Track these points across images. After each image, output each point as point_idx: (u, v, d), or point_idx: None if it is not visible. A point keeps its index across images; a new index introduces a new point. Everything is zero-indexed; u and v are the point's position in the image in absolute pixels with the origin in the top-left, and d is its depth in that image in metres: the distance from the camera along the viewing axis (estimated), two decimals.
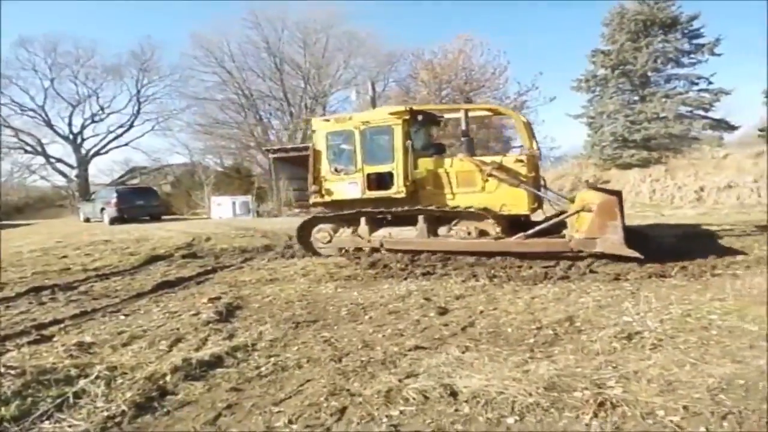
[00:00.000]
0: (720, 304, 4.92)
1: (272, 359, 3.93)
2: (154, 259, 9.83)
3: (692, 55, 25.02)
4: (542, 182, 9.26)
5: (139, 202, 23.77)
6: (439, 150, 9.99)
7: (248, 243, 11.90)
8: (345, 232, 9.45)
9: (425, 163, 9.12)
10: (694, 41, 24.94)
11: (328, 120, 9.97)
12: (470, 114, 9.66)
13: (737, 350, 3.67)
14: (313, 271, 7.93)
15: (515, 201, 8.57)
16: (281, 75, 37.08)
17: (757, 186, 19.43)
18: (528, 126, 9.17)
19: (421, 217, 8.78)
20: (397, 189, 9.04)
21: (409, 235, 8.88)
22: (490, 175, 8.54)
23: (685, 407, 2.75)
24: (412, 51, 31.12)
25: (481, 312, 5.13)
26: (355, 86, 30.59)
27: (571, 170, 26.49)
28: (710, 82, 24.81)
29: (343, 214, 9.38)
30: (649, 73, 25.00)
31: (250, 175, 34.48)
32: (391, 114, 9.23)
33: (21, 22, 57.53)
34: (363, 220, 9.22)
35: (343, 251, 9.17)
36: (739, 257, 7.38)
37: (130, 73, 42.35)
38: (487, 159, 8.97)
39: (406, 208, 8.85)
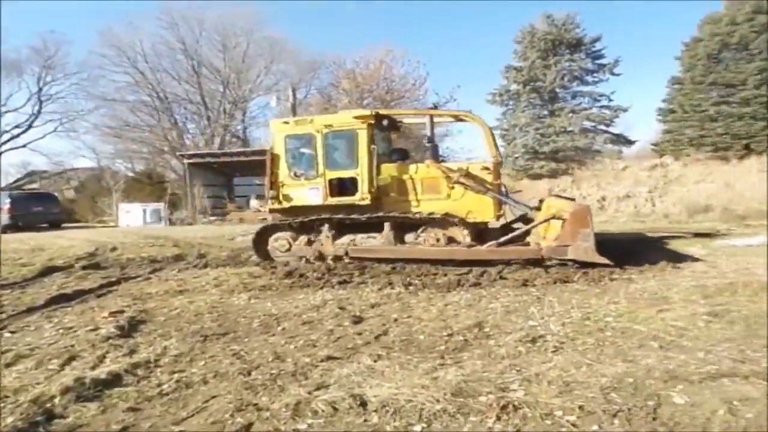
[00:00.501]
0: (615, 307, 5.26)
1: (176, 375, 3.73)
2: (50, 271, 9.09)
3: (595, 74, 27.06)
4: (504, 189, 9.27)
5: (36, 208, 21.99)
6: (402, 156, 9.80)
7: (158, 252, 11.31)
8: (305, 240, 9.12)
9: (389, 169, 9.02)
10: (597, 61, 26.95)
11: (287, 122, 9.63)
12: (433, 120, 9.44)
13: (628, 350, 3.93)
14: (227, 281, 7.65)
15: (481, 208, 8.65)
16: (198, 78, 35.95)
17: (651, 196, 21.10)
18: (492, 133, 9.18)
19: (387, 224, 8.64)
20: (362, 195, 8.82)
21: (375, 242, 8.72)
22: (457, 182, 8.55)
23: (580, 407, 2.89)
24: (333, 59, 31.22)
25: (395, 320, 5.17)
26: (276, 92, 30.13)
27: None
28: (610, 99, 26.89)
29: (304, 221, 9.00)
30: (557, 90, 26.70)
31: (163, 181, 33.00)
32: (356, 118, 9.01)
33: None
34: (326, 227, 8.93)
35: (304, 260, 8.82)
36: (636, 264, 7.90)
37: (30, 69, 39.30)
38: (454, 166, 9.03)
39: (378, 214, 8.65)
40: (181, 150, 31.53)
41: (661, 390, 3.07)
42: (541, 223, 8.13)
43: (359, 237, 8.86)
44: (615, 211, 20.90)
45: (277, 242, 9.37)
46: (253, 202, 21.92)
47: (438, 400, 3.02)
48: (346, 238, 8.90)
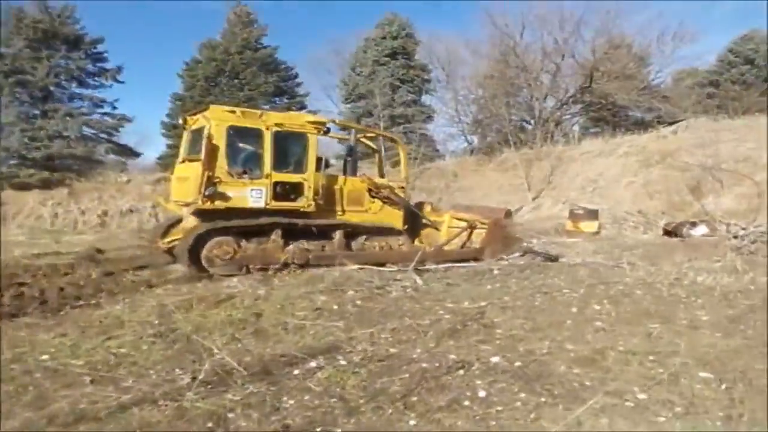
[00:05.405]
0: (60, 341, 4.78)
1: None
2: None
3: (97, 78, 25.51)
4: None
5: None
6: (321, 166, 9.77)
7: None
8: (251, 246, 8.40)
9: (318, 178, 9.12)
10: (99, 64, 25.47)
11: (233, 111, 8.61)
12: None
13: (53, 393, 3.56)
14: None
15: (394, 220, 9.93)
16: None
17: (156, 211, 21.36)
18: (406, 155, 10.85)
19: (339, 232, 9.11)
20: (308, 202, 8.89)
21: (328, 249, 8.96)
22: (387, 197, 9.84)
23: None
24: None
25: None
26: None
27: None
28: (114, 107, 25.94)
29: (249, 225, 8.36)
30: (52, 88, 23.88)
31: None
32: (310, 122, 9.10)
33: None
34: (278, 233, 8.56)
35: (244, 269, 8.20)
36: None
37: None
38: (378, 182, 10.10)
39: (332, 222, 9.20)
40: None
41: None
42: (464, 230, 9.92)
43: (307, 244, 8.82)
44: (117, 226, 20.20)
45: (219, 249, 8.20)
46: None
47: None
48: (295, 245, 8.66)
